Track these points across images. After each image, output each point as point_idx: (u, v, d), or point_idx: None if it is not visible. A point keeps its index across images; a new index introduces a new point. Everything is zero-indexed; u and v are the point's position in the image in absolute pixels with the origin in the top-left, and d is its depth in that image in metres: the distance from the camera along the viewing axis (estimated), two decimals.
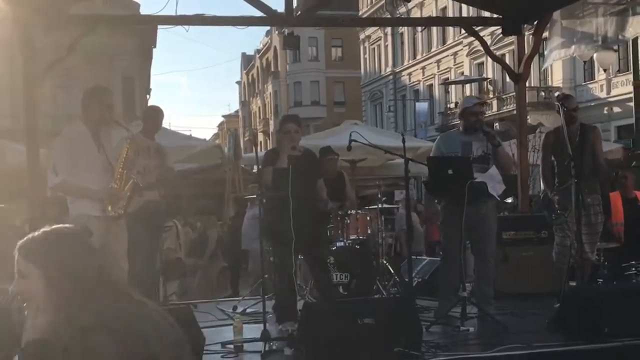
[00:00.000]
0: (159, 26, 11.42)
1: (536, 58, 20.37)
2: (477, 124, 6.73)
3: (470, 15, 29.48)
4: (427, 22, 21.52)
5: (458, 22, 10.97)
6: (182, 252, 10.88)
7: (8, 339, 6.10)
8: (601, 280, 7.98)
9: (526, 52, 9.46)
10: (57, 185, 5.82)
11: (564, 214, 6.70)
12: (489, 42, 19.01)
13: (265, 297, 6.06)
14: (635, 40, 15.00)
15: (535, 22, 9.39)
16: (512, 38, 10.72)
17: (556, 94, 25.05)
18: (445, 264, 6.86)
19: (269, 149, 7.78)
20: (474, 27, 10.12)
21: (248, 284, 11.45)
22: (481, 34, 10.77)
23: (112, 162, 5.82)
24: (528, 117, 11.68)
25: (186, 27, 8.93)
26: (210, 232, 12.68)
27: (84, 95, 5.98)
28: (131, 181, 5.78)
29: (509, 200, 10.28)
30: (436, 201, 7.64)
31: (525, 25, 9.79)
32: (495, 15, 9.89)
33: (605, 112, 28.75)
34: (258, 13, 8.89)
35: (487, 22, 12.93)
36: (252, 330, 6.00)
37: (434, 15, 40.15)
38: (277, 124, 6.72)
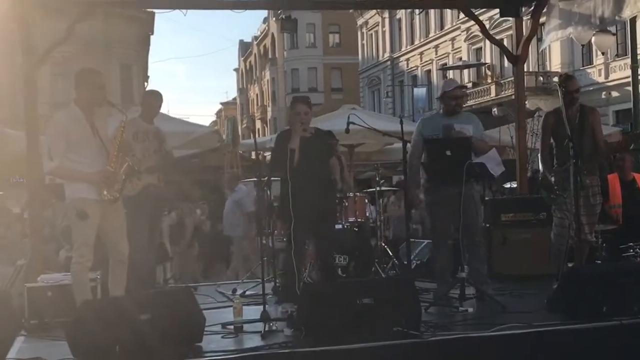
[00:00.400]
0: (156, 13, 11.43)
1: (534, 43, 20.40)
2: (456, 108, 6.83)
3: None
4: (425, 5, 21.32)
5: (456, 4, 10.92)
6: (165, 238, 10.89)
7: (9, 320, 6.17)
8: (599, 262, 7.99)
9: (524, 35, 9.44)
10: (53, 170, 5.84)
11: (562, 194, 6.71)
12: (487, 27, 18.96)
13: (265, 279, 6.08)
14: (633, 24, 14.95)
15: (534, 4, 9.37)
16: (510, 23, 10.69)
17: (559, 74, 25.03)
18: (438, 246, 6.89)
19: (282, 130, 7.82)
20: (472, 9, 10.08)
21: (224, 271, 11.51)
22: (479, 19, 10.73)
23: (107, 145, 5.80)
24: (526, 101, 11.69)
25: (184, 11, 8.89)
26: (187, 219, 12.70)
27: (75, 77, 5.96)
28: (126, 164, 5.78)
29: (511, 184, 10.32)
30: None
31: (523, 9, 9.77)
32: None
33: (603, 96, 28.72)
34: None
35: (485, 4, 12.92)
36: (252, 312, 6.01)
37: None
38: (287, 105, 6.81)
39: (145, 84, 39.06)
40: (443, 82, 7.34)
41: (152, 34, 37.04)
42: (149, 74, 42.14)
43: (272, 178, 7.05)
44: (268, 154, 9.90)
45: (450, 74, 40.59)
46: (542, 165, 7.13)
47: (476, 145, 6.74)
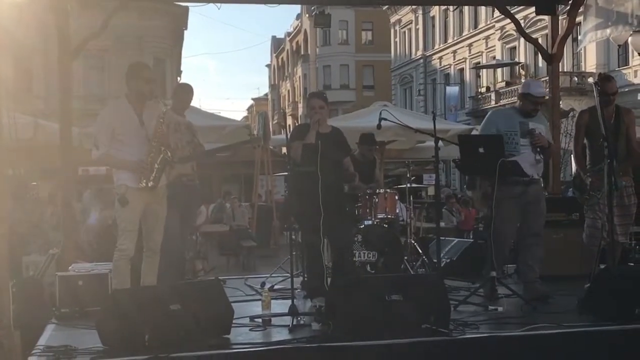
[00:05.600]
0: (190, 8, 11.44)
1: (570, 43, 20.20)
2: (533, 112, 6.67)
3: None
4: (461, 1, 21.24)
5: (492, 1, 10.82)
6: None
7: (40, 308, 6.25)
8: (632, 264, 7.89)
9: (560, 33, 9.34)
10: (99, 158, 6.00)
11: (596, 195, 6.62)
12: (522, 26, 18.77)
13: (293, 273, 6.08)
14: None
15: (570, 2, 9.26)
16: (545, 23, 10.60)
17: (598, 73, 24.73)
18: (499, 245, 6.56)
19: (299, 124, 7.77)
20: (507, 7, 10.00)
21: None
22: (515, 17, 10.63)
23: (152, 137, 5.97)
24: (560, 101, 11.56)
25: (218, 5, 8.92)
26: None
27: (127, 71, 6.14)
28: (161, 155, 5.89)
29: None
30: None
31: (559, 7, 9.66)
32: None
33: (639, 97, 28.33)
34: None
35: (522, 1, 12.79)
36: (280, 306, 6.04)
37: None
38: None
39: (178, 78, 39.35)
40: (529, 82, 7.15)
41: (186, 28, 37.22)
42: (181, 68, 42.46)
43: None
44: None
45: (484, 72, 40.37)
46: (576, 163, 7.04)
47: (551, 150, 6.78)
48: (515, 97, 34.24)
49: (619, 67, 30.53)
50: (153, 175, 5.87)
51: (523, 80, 34.51)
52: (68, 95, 8.12)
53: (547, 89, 9.01)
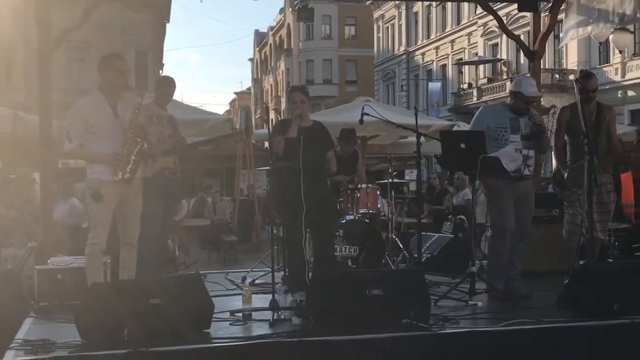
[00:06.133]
0: (172, 0, 11.35)
1: (551, 40, 20.30)
2: (524, 111, 6.65)
3: None
4: None
5: None
6: None
7: (18, 301, 6.20)
8: (611, 260, 7.94)
9: (542, 30, 9.37)
10: (71, 151, 5.88)
11: (576, 191, 6.66)
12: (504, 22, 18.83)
13: (274, 268, 6.07)
14: None
15: None
16: (528, 20, 10.62)
17: (579, 70, 24.85)
18: (499, 240, 6.62)
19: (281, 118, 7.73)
20: (490, 3, 10.03)
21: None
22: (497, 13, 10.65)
23: (127, 130, 5.85)
24: (542, 98, 11.61)
25: None
26: None
27: (99, 62, 6.03)
28: (138, 146, 5.81)
29: None
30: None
31: (541, 4, 9.69)
32: None
33: (619, 95, 28.55)
34: None
35: None
36: (261, 300, 6.02)
37: None
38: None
39: (160, 71, 39.09)
40: (521, 80, 7.11)
41: (168, 21, 37.10)
42: (164, 61, 42.25)
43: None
44: None
45: (466, 69, 40.53)
46: (556, 159, 7.06)
47: (545, 138, 6.74)
48: (497, 94, 34.61)
49: (600, 65, 30.75)
50: (130, 167, 5.75)
51: (505, 77, 34.78)
52: (48, 88, 8.04)
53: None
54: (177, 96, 7.59)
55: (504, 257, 6.60)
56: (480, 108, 7.28)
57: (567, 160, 6.89)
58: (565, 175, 6.73)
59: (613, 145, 6.83)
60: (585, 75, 6.86)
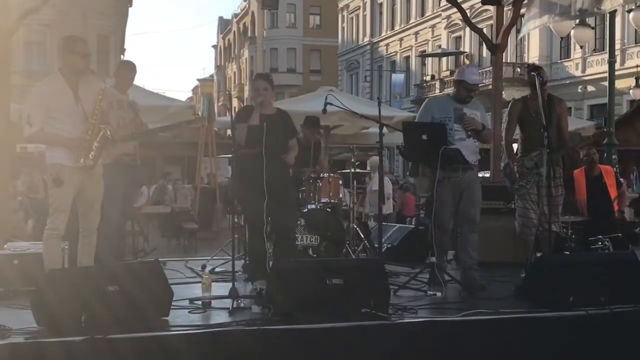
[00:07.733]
0: None
1: (514, 34, 20.47)
2: (467, 99, 6.68)
3: None
4: None
5: None
6: None
7: None
8: (568, 252, 8.06)
9: (504, 24, 9.47)
10: (33, 135, 5.73)
11: (525, 185, 6.73)
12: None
13: (235, 256, 6.05)
14: (612, 19, 15.07)
15: None
16: (491, 13, 10.72)
17: (526, 65, 25.10)
18: (439, 230, 6.62)
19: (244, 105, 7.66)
20: None
21: None
22: (461, 6, 10.72)
23: (88, 114, 5.74)
24: (503, 92, 11.72)
25: None
26: None
27: (59, 44, 5.92)
28: (101, 133, 5.72)
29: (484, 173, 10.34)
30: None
31: None
32: None
33: (579, 90, 28.93)
34: None
35: None
36: (221, 289, 6.00)
37: None
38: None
39: (122, 56, 38.62)
40: (464, 68, 7.15)
41: (131, 5, 36.59)
42: (125, 46, 41.74)
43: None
44: None
45: (429, 61, 40.74)
46: (506, 152, 7.09)
47: (485, 134, 6.75)
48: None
49: (560, 60, 31.16)
50: (93, 154, 5.65)
51: None
52: (6, 70, 7.89)
53: (490, 79, 9.12)
54: (139, 82, 7.50)
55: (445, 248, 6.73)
56: (426, 100, 7.33)
57: (517, 153, 6.95)
58: (515, 168, 6.78)
59: (564, 138, 6.89)
60: (538, 67, 6.94)
